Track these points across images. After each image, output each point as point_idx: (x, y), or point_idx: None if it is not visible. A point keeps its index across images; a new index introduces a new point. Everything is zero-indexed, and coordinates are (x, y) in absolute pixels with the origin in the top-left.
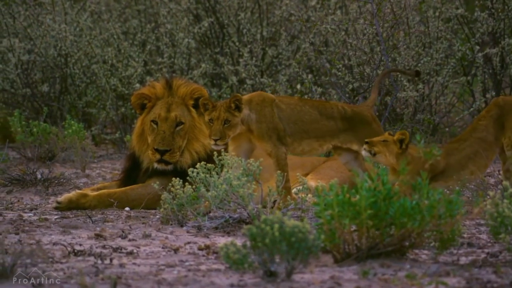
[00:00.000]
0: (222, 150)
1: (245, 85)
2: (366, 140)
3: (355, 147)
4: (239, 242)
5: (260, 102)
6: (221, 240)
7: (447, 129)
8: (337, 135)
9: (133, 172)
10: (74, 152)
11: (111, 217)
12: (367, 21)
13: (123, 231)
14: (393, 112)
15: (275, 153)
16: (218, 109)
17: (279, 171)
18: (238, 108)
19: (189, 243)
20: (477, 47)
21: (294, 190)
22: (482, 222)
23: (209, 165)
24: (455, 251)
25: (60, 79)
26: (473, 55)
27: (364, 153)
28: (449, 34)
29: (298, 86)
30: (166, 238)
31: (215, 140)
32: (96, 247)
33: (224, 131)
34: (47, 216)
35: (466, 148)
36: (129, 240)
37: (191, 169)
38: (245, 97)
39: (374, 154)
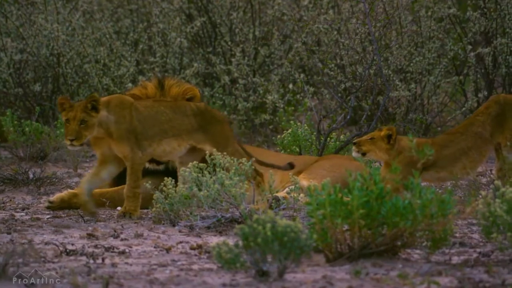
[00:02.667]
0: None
1: (237, 85)
2: (354, 141)
3: (208, 148)
4: (231, 241)
5: (119, 104)
6: (213, 240)
7: (439, 128)
8: (192, 134)
9: (125, 172)
10: (66, 151)
11: (103, 216)
12: (359, 21)
13: (115, 231)
14: (386, 112)
15: (132, 157)
16: (74, 109)
17: (130, 175)
18: (95, 109)
19: (181, 242)
20: (469, 47)
21: (286, 190)
22: (474, 221)
23: (201, 164)
24: (447, 251)
25: (52, 79)
26: (465, 55)
27: (354, 154)
28: (441, 33)
29: (290, 86)
30: (158, 237)
31: (71, 140)
32: (88, 247)
33: (81, 131)
34: (39, 216)
35: (461, 142)
36: (121, 240)
37: (183, 168)
38: (104, 98)
39: (364, 154)
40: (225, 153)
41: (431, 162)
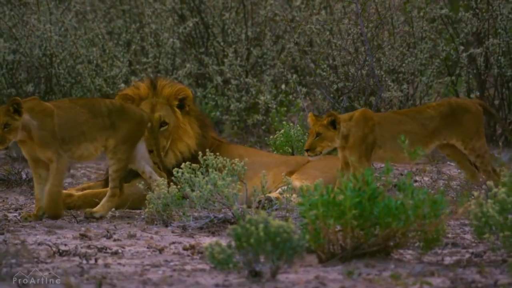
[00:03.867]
0: None
1: (230, 85)
2: (305, 149)
3: (111, 145)
4: (224, 242)
5: (41, 111)
6: (206, 240)
7: None
8: (105, 134)
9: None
10: None
11: None
12: (351, 21)
13: (108, 231)
14: (378, 112)
15: (57, 160)
16: None
17: (55, 176)
18: (18, 112)
19: (174, 243)
20: (462, 47)
21: (278, 190)
22: (467, 222)
23: (193, 165)
24: (439, 251)
25: (45, 79)
26: (458, 55)
27: (312, 158)
28: (434, 34)
29: (283, 86)
30: (151, 238)
31: None
32: (81, 247)
33: (5, 135)
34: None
35: (407, 123)
36: (114, 240)
37: (176, 169)
38: (27, 103)
39: (320, 153)
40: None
41: (379, 137)
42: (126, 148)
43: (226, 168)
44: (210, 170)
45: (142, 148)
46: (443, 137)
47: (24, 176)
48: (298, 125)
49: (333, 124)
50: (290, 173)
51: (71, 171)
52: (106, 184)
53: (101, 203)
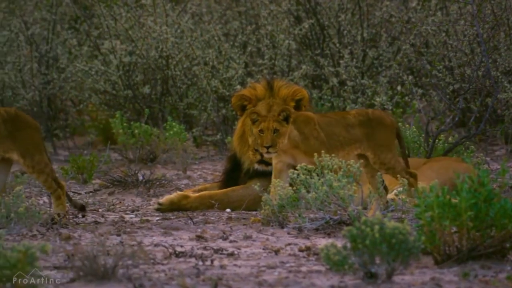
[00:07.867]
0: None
1: (345, 87)
2: (265, 146)
3: (15, 157)
4: (339, 243)
5: None
6: (321, 242)
7: None
8: (2, 143)
9: (234, 174)
10: (175, 153)
11: (212, 218)
12: (467, 22)
13: (224, 233)
14: (494, 113)
15: None
16: None
17: None
18: None
19: (289, 244)
20: None
21: (394, 192)
22: None
23: (309, 166)
24: None
25: (161, 81)
26: None
27: (271, 155)
28: None
29: (399, 88)
30: (267, 239)
31: None
32: (197, 249)
33: None
34: (149, 218)
35: (335, 126)
36: (230, 242)
37: (291, 170)
38: None
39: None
40: (30, 162)
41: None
42: (39, 156)
43: (342, 170)
44: (325, 171)
45: None
46: (362, 146)
47: (140, 178)
48: (413, 127)
49: (287, 120)
50: None
51: (188, 172)
52: (222, 185)
53: (54, 206)
